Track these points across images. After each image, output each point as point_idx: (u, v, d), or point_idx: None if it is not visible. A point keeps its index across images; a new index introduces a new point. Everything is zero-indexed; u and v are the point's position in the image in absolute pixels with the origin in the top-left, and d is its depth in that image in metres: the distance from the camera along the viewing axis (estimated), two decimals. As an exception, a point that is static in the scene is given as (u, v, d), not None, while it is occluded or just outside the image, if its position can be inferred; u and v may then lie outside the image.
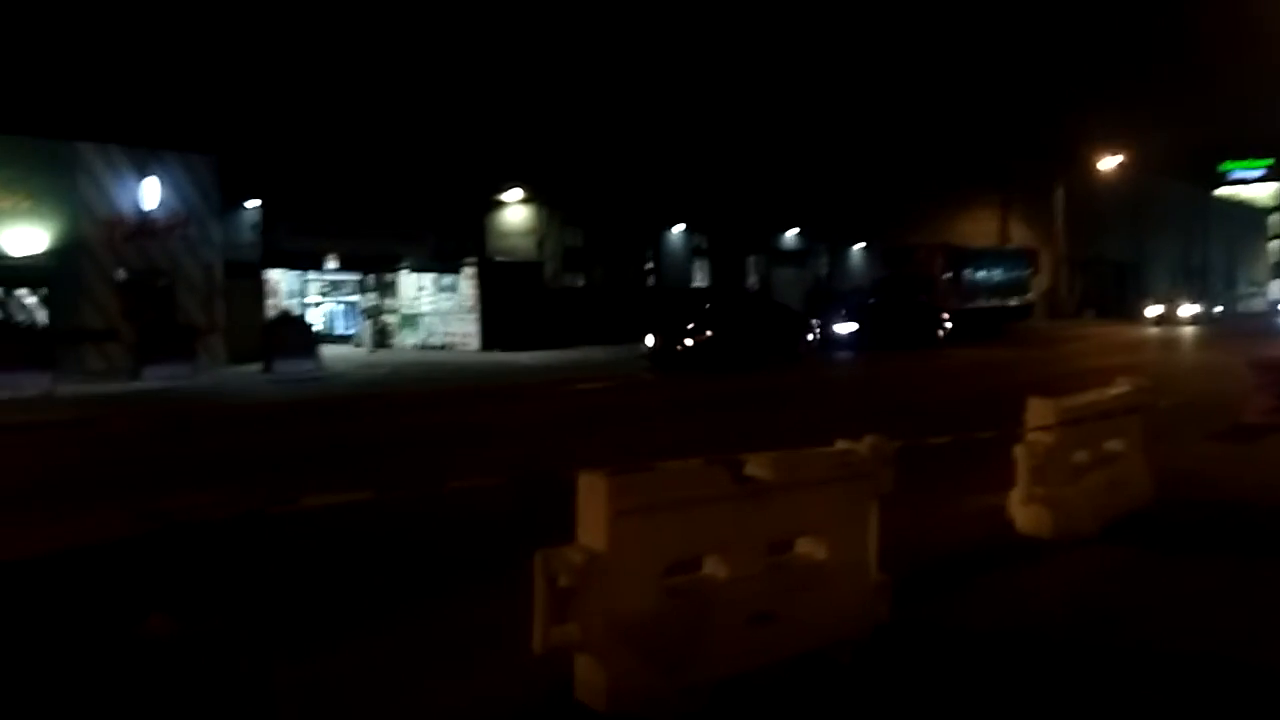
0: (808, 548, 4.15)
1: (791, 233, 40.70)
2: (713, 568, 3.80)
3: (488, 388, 17.91)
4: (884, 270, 34.19)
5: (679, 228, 36.15)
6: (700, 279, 37.45)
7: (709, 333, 20.97)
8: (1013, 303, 36.75)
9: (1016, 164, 45.86)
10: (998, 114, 44.27)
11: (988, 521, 6.07)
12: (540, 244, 32.28)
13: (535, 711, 3.53)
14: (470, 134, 28.75)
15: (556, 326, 28.05)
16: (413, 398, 16.73)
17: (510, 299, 28.16)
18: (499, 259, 30.34)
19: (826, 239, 42.51)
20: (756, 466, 3.87)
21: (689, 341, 20.73)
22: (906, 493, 4.35)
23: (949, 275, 32.52)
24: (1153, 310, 39.87)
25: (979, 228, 45.15)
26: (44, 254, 21.96)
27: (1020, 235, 45.91)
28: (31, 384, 17.61)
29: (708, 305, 24.31)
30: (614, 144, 31.55)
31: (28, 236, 21.99)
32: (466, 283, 28.48)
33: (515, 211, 32.61)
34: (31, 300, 22.30)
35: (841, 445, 4.20)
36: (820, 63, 37.97)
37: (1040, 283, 41.47)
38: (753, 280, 39.53)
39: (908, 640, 4.18)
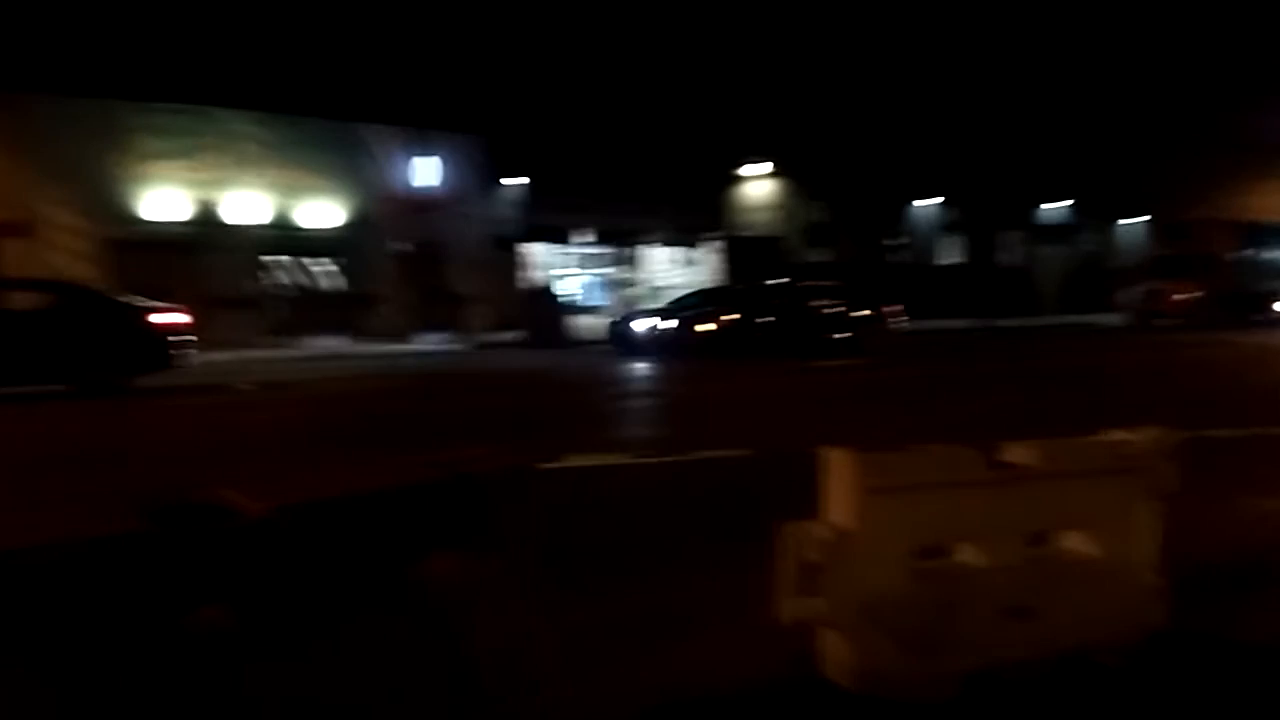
0: (1073, 543, 3.89)
1: (1055, 206, 37.89)
2: (966, 555, 3.66)
3: (725, 361, 17.99)
4: (1163, 248, 31.15)
5: (930, 201, 34.67)
6: (953, 255, 35.79)
7: (735, 315, 18.37)
8: None
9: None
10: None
11: (1284, 528, 5.44)
12: (782, 218, 32.00)
13: (782, 682, 3.56)
14: (713, 108, 28.91)
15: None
16: (655, 368, 17.20)
17: (751, 273, 28.15)
18: (741, 233, 30.39)
19: (1096, 213, 39.20)
20: (1017, 453, 3.67)
21: (707, 326, 18.29)
22: (1192, 490, 3.98)
23: (1237, 254, 29.18)
24: None
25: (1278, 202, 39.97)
26: (338, 227, 24.47)
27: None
28: (328, 344, 19.82)
29: (740, 289, 21.43)
30: (861, 114, 30.67)
31: (324, 211, 24.55)
32: (709, 256, 28.78)
33: (757, 185, 32.52)
34: (328, 269, 24.97)
35: (1117, 435, 3.90)
36: (1091, 17, 34.89)
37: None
38: (1010, 258, 37.25)
39: (1185, 649, 3.84)
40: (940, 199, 34.41)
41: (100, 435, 10.63)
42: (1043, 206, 37.56)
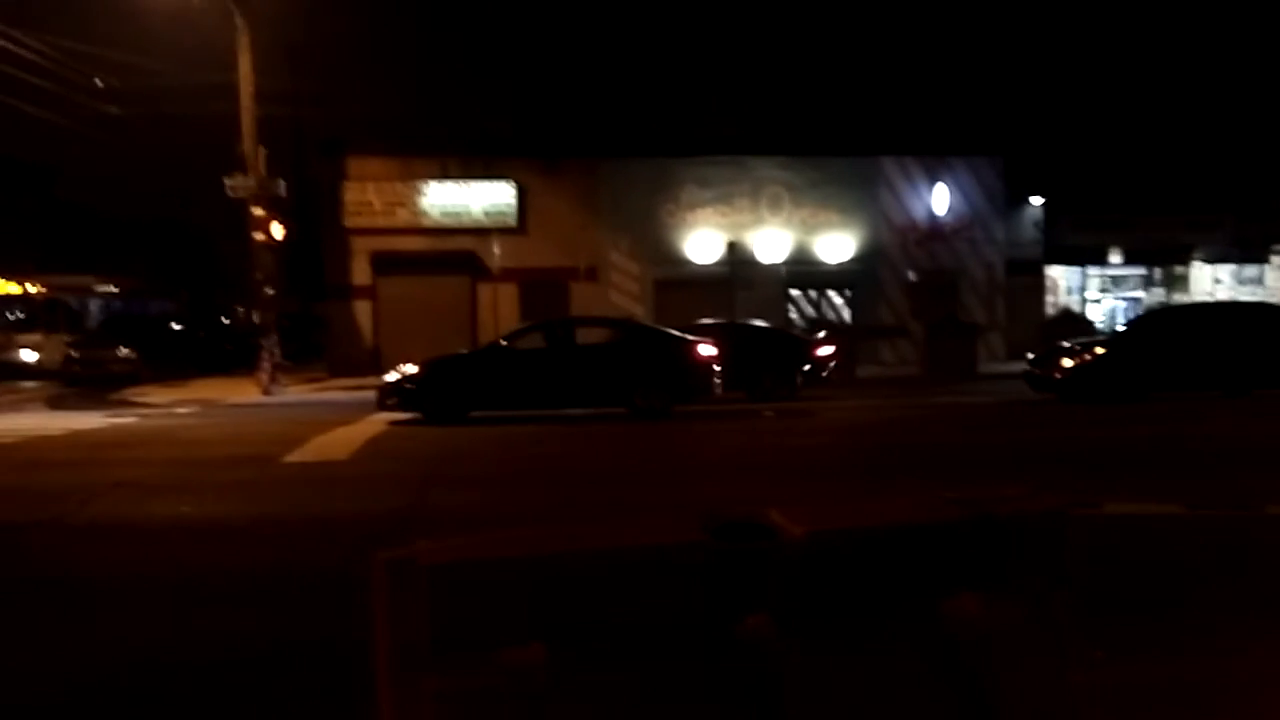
0: None
1: None
2: None
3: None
4: None
5: None
6: None
7: (1099, 350, 15.67)
8: None
9: None
10: None
11: None
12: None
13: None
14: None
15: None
16: (1218, 401, 15.13)
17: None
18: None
19: None
20: None
21: (1067, 362, 15.74)
22: None
23: None
24: None
25: None
26: (849, 260, 25.20)
27: None
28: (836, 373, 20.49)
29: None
30: None
31: (838, 245, 25.46)
32: (1276, 273, 24.53)
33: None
34: (838, 301, 25.86)
35: None
36: None
37: None
38: None
39: None
40: None
41: (652, 455, 12.13)
42: None
